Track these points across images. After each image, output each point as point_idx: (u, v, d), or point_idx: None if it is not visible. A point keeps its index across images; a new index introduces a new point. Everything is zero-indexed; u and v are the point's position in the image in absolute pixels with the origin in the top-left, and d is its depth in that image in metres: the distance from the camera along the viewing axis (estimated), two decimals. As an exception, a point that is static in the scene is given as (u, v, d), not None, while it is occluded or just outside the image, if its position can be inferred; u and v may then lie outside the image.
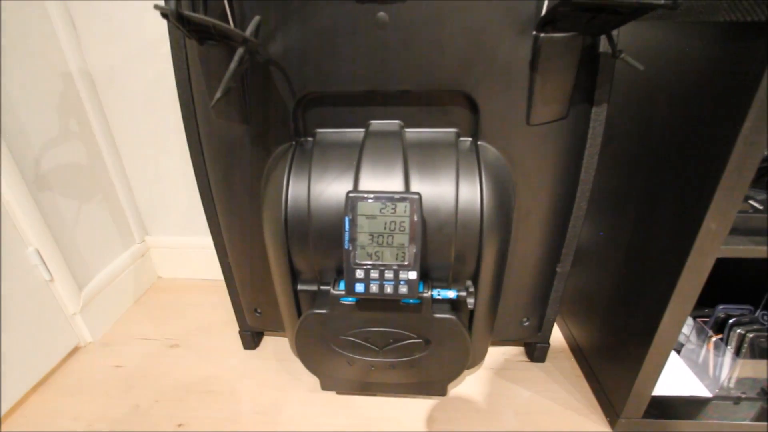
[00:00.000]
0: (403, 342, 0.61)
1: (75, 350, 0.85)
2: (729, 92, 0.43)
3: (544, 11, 0.46)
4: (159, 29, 0.79)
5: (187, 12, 0.40)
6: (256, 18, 0.47)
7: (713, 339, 0.67)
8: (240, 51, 0.45)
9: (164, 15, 0.41)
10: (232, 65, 0.44)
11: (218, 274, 0.75)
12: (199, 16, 0.41)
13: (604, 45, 0.51)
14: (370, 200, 0.51)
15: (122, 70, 0.84)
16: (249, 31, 0.46)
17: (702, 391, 0.68)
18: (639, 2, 0.38)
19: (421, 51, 0.50)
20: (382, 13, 0.48)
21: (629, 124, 0.62)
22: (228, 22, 0.49)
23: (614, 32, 0.47)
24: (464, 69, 0.51)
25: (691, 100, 0.49)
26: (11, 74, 0.70)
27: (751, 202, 0.52)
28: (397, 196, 0.51)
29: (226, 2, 0.49)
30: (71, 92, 0.82)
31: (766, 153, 0.46)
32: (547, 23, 0.46)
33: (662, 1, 0.38)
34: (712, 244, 0.48)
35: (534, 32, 0.48)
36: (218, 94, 0.45)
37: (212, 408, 0.72)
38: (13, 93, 0.70)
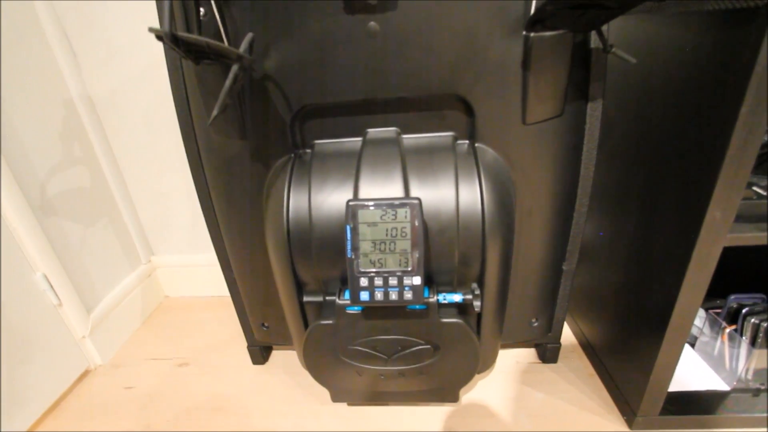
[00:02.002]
0: (412, 349, 0.60)
1: (85, 373, 0.85)
2: (724, 80, 0.43)
3: (532, 11, 0.47)
4: (156, 52, 0.81)
5: (182, 33, 0.41)
6: (249, 35, 0.48)
7: (727, 330, 0.65)
8: (234, 68, 0.45)
9: (159, 38, 0.42)
10: (227, 82, 0.45)
11: (224, 290, 0.75)
12: (194, 36, 0.42)
13: (595, 41, 0.51)
14: (370, 208, 0.52)
15: (122, 93, 0.86)
16: (243, 48, 0.47)
17: (719, 384, 0.66)
18: (626, -4, 0.38)
19: (413, 57, 0.51)
20: (372, 23, 0.49)
21: (626, 118, 0.62)
22: (222, 41, 0.50)
23: (604, 27, 0.47)
24: (457, 72, 0.51)
25: (686, 90, 0.49)
26: (14, 102, 0.71)
27: (754, 188, 0.52)
28: (397, 202, 0.51)
29: (219, 21, 0.49)
30: (73, 117, 0.84)
31: (766, 138, 0.46)
32: (536, 22, 0.47)
33: (649, -6, 0.38)
34: (718, 232, 0.47)
35: (524, 32, 0.48)
36: (215, 112, 0.46)
37: (224, 425, 0.71)
38: (17, 121, 0.72)
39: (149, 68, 0.83)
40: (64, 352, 0.80)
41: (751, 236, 0.48)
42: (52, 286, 0.76)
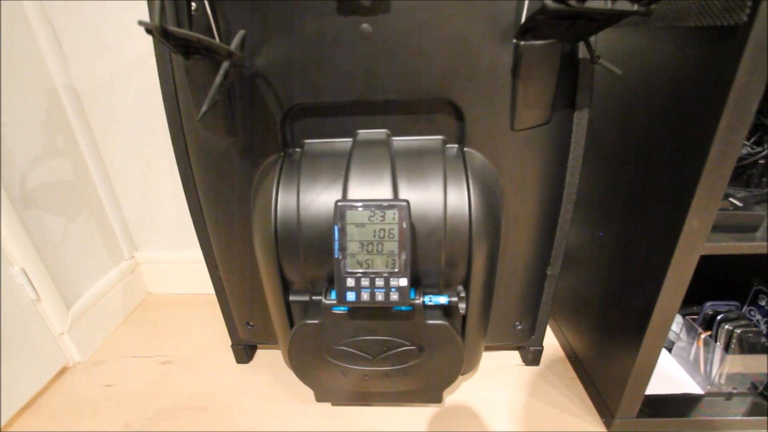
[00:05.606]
0: (397, 350, 0.60)
1: (63, 370, 0.83)
2: (704, 94, 0.45)
3: (523, 20, 0.47)
4: (144, 44, 0.80)
5: (172, 27, 0.41)
6: (241, 32, 0.48)
7: (702, 336, 0.68)
8: (225, 65, 0.45)
9: (149, 31, 0.41)
10: (218, 79, 0.45)
11: (209, 288, 0.74)
12: (184, 31, 0.41)
13: (583, 51, 0.52)
14: (358, 208, 0.52)
15: (108, 85, 0.84)
16: (234, 44, 0.47)
17: (694, 388, 0.68)
18: (614, 9, 0.39)
19: (405, 61, 0.51)
20: (365, 25, 0.49)
21: (611, 127, 0.63)
22: (213, 37, 0.50)
23: (592, 39, 0.48)
24: (448, 77, 0.52)
25: (669, 102, 0.51)
26: (-5, 92, 0.69)
27: (731, 200, 0.53)
28: (385, 203, 0.52)
29: (211, 17, 0.49)
30: (57, 109, 0.82)
31: (742, 152, 0.48)
32: (526, 31, 0.47)
33: (636, 8, 0.39)
34: (696, 241, 0.49)
35: (514, 40, 0.49)
36: (204, 108, 0.45)
37: (206, 425, 0.70)
38: (-3, 111, 0.70)
39: (137, 61, 0.81)
40: (41, 349, 0.78)
41: (727, 245, 0.50)
42: (30, 281, 0.74)
